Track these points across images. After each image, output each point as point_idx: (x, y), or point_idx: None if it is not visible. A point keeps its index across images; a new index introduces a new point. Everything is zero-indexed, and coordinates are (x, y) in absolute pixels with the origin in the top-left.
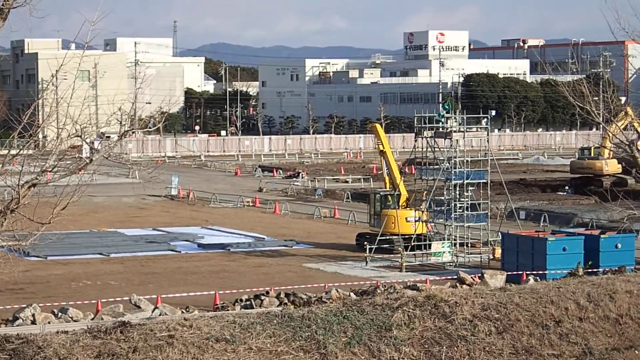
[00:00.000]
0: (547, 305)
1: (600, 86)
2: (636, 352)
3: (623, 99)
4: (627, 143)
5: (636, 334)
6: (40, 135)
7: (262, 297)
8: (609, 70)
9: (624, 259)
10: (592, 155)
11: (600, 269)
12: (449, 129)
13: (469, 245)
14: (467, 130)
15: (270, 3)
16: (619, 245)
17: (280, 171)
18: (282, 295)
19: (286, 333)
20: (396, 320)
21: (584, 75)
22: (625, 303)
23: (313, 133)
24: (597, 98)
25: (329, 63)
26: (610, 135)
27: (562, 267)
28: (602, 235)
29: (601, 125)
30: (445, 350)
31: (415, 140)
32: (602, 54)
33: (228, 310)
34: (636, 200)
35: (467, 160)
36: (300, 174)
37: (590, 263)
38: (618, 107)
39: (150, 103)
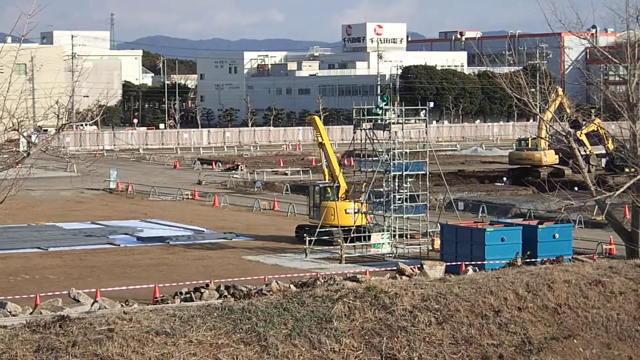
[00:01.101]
0: (487, 295)
1: (537, 77)
2: (574, 341)
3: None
4: (564, 134)
5: (574, 323)
6: None
7: (202, 290)
8: (545, 61)
9: (561, 248)
10: (530, 146)
11: (538, 259)
12: (388, 121)
13: (408, 236)
14: (406, 122)
15: None
16: (557, 235)
17: (219, 164)
18: (222, 288)
19: (226, 326)
20: (336, 312)
21: (521, 67)
22: (563, 292)
23: (252, 126)
24: (534, 89)
25: (267, 56)
26: (547, 126)
27: (500, 258)
28: (539, 226)
29: (538, 116)
30: (385, 341)
31: (354, 132)
32: (538, 46)
33: (168, 303)
34: (573, 190)
35: (405, 152)
36: (240, 167)
37: (528, 253)
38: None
39: (87, 96)
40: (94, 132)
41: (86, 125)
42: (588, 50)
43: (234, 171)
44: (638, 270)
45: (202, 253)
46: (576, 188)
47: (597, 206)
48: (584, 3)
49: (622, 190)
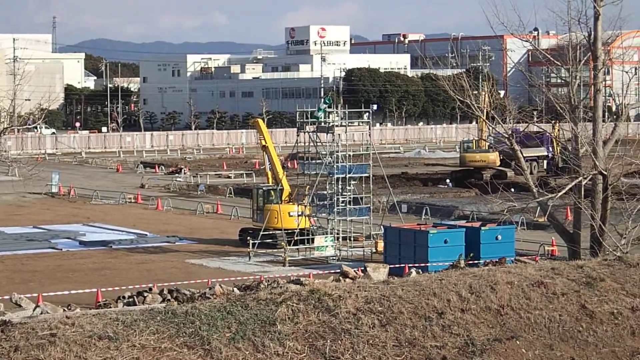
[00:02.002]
0: (430, 297)
1: (480, 80)
2: (517, 342)
3: (502, 92)
4: (507, 136)
5: (517, 324)
6: None
7: (145, 294)
8: (488, 64)
9: (504, 250)
10: (475, 148)
11: (481, 261)
12: (331, 124)
13: (352, 239)
14: (349, 124)
15: None
16: (500, 237)
17: (163, 167)
18: (165, 292)
19: (170, 330)
20: (280, 315)
21: (464, 69)
22: (506, 294)
23: (195, 129)
24: (476, 92)
25: (210, 59)
26: (490, 128)
27: (443, 260)
28: (482, 227)
29: (480, 118)
30: (329, 344)
31: (298, 135)
32: (481, 48)
33: (110, 307)
34: (516, 192)
35: (349, 155)
36: (183, 170)
37: (471, 255)
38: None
39: (29, 100)
40: (35, 135)
41: (41, 128)
42: (530, 53)
43: (177, 174)
44: (580, 271)
45: (145, 257)
46: (512, 189)
47: (539, 208)
48: (526, 5)
49: (563, 191)
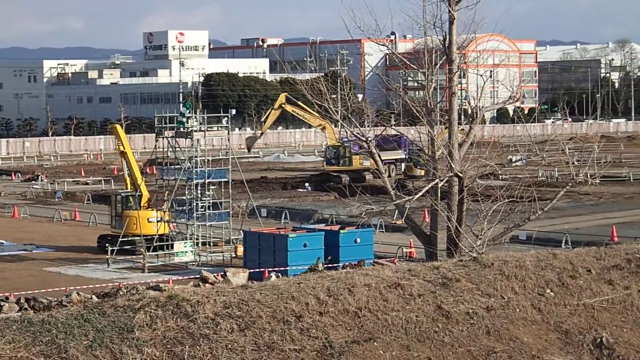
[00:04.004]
0: (288, 300)
1: (338, 84)
2: (375, 343)
3: (360, 96)
4: (364, 139)
5: (375, 326)
6: None
7: (2, 304)
8: (346, 68)
9: (363, 253)
10: (345, 153)
11: (340, 264)
12: (190, 129)
13: (211, 244)
14: (208, 129)
15: (3, 3)
16: (358, 240)
17: (19, 174)
18: (22, 301)
19: (26, 338)
20: (138, 322)
21: (322, 74)
22: (364, 296)
23: (52, 135)
24: (334, 95)
25: (67, 64)
26: (349, 131)
27: (303, 263)
28: (341, 231)
29: (339, 123)
30: (188, 350)
31: (157, 141)
32: (339, 53)
33: None
34: (374, 195)
35: (208, 160)
36: (40, 177)
37: (330, 258)
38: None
39: None
40: None
41: None
42: (387, 57)
43: (33, 181)
44: (436, 272)
45: (2, 266)
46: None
47: (397, 210)
48: (383, 10)
49: (420, 194)
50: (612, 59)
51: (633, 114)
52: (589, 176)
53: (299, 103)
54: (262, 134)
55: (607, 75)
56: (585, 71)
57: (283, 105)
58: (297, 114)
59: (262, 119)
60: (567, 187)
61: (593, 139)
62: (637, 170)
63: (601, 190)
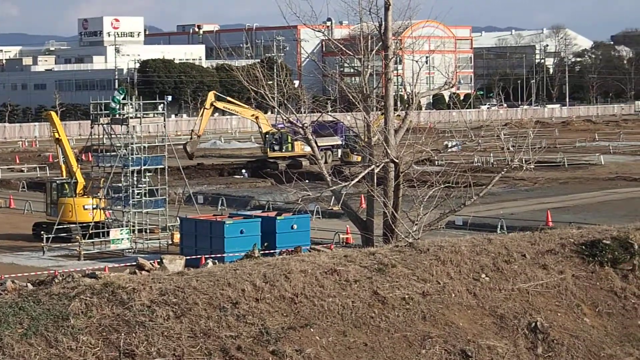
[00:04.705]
0: (225, 287)
1: (275, 70)
2: (311, 329)
3: (296, 82)
4: (301, 126)
5: (311, 312)
6: None
7: None
8: (282, 54)
9: (299, 239)
10: (288, 139)
11: (277, 250)
12: (126, 115)
13: (148, 231)
14: (144, 116)
15: None
16: (295, 226)
17: None
18: None
19: None
20: (73, 309)
21: (258, 60)
22: (300, 282)
23: None
24: (271, 82)
25: (1, 51)
26: (283, 117)
27: (240, 250)
28: (278, 217)
29: (276, 109)
30: (123, 337)
31: (92, 128)
32: (275, 39)
33: None
34: (311, 181)
35: (144, 146)
36: None
37: (266, 244)
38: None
39: None
40: None
41: None
42: (323, 43)
43: None
44: (372, 258)
45: None
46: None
47: (333, 196)
48: None
49: (356, 180)
50: (547, 45)
51: (567, 100)
52: (524, 161)
53: (228, 98)
54: (199, 136)
55: (542, 61)
56: (520, 57)
57: (214, 104)
58: (229, 109)
59: (196, 123)
60: (503, 173)
61: (528, 125)
62: (571, 156)
63: (536, 175)
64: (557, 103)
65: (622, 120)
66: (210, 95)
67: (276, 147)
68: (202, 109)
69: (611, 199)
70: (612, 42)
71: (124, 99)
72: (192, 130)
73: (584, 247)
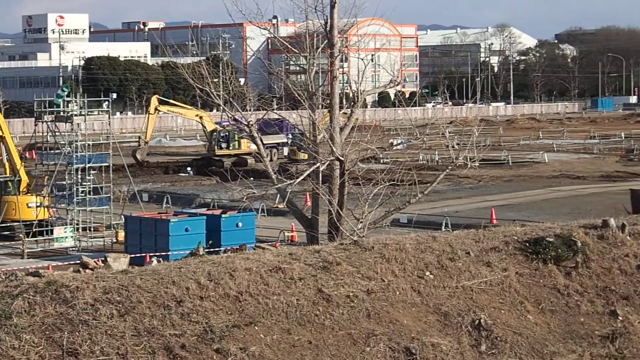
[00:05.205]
0: (169, 285)
1: (220, 68)
2: (256, 327)
3: (242, 80)
4: (246, 123)
5: (255, 310)
6: None
7: None
8: (228, 52)
9: (244, 237)
10: (236, 138)
11: (222, 248)
12: (70, 113)
13: (92, 229)
14: (89, 113)
15: None
16: (240, 224)
17: None
18: None
19: None
20: (16, 308)
21: (204, 57)
22: (244, 280)
23: None
24: (216, 80)
25: None
26: (229, 115)
27: (185, 248)
28: (223, 215)
29: (221, 107)
30: (67, 336)
31: (36, 125)
32: (221, 36)
33: None
34: (256, 179)
35: (88, 144)
36: None
37: (211, 242)
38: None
39: None
40: None
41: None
42: (269, 40)
43: None
44: (317, 255)
45: None
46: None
47: (278, 194)
48: None
49: (301, 178)
50: (492, 44)
51: (512, 98)
52: (468, 159)
53: (171, 101)
54: (146, 142)
55: (487, 59)
56: (465, 55)
57: (158, 108)
58: (173, 112)
59: (142, 127)
60: (447, 171)
61: (473, 123)
62: (515, 154)
63: (480, 173)
64: (501, 101)
65: (566, 119)
66: (154, 100)
67: (223, 145)
68: (146, 115)
69: (555, 197)
70: (556, 41)
71: (68, 96)
72: (140, 137)
73: (527, 244)
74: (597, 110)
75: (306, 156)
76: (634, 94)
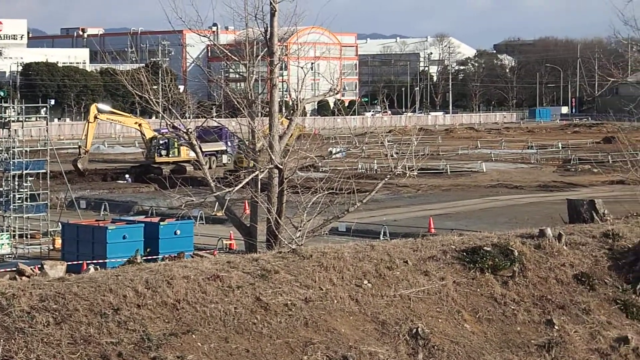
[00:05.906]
0: (106, 293)
1: (159, 75)
2: (193, 336)
3: (182, 87)
4: (185, 131)
5: (193, 318)
6: None
7: None
8: (167, 59)
9: (183, 245)
10: (176, 146)
11: (160, 256)
12: (7, 119)
13: (29, 236)
14: (26, 120)
15: None
16: (178, 232)
17: None
18: None
19: None
20: None
21: (143, 64)
22: (182, 288)
23: None
24: (155, 87)
25: None
26: (168, 122)
27: (122, 255)
28: (161, 223)
29: (160, 114)
30: (3, 344)
31: None
32: (160, 43)
33: None
34: (195, 187)
35: (26, 150)
36: None
37: (149, 250)
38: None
39: None
40: None
41: None
42: (209, 48)
43: None
44: (255, 264)
45: None
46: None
47: (217, 202)
48: (205, 1)
49: (240, 186)
50: (431, 53)
51: (451, 107)
52: (407, 168)
53: (110, 109)
54: (86, 151)
55: (426, 69)
56: (404, 65)
57: (97, 117)
58: (112, 120)
59: (82, 135)
60: (386, 179)
61: (411, 132)
62: (454, 163)
63: (419, 182)
64: (440, 110)
65: (504, 128)
66: (93, 108)
67: (163, 152)
68: (86, 123)
69: (492, 206)
70: (494, 51)
71: (5, 101)
72: (80, 147)
73: (465, 253)
74: (534, 121)
75: (252, 163)
76: (571, 104)
